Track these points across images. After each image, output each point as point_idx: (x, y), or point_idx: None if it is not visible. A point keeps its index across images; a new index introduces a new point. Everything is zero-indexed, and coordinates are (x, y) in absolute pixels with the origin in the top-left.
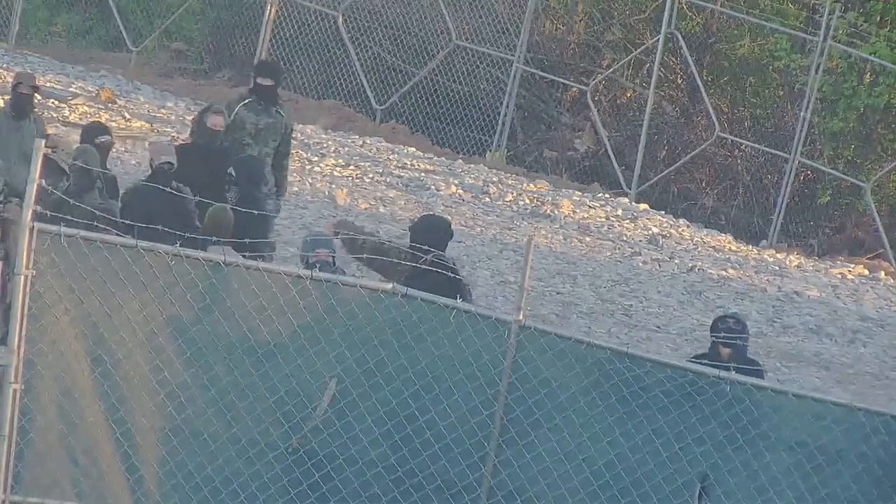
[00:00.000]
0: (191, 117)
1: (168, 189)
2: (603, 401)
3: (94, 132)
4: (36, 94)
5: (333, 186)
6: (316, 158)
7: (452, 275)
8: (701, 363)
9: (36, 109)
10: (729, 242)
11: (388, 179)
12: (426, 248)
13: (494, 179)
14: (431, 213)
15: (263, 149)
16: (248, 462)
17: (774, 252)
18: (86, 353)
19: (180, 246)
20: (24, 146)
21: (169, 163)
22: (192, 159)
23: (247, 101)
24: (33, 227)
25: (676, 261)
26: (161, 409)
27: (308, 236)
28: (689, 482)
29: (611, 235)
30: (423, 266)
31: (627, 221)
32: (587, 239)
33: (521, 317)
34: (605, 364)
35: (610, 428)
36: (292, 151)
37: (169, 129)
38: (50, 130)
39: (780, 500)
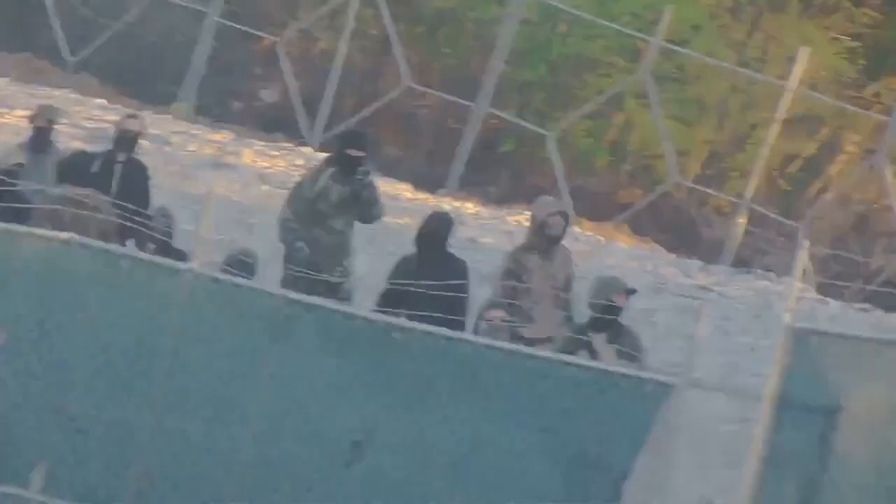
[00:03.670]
0: None
1: None
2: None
3: None
4: None
5: (20, 138)
6: (4, 110)
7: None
8: None
9: None
10: (407, 190)
11: (74, 131)
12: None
13: (179, 130)
14: None
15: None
16: None
17: (452, 200)
18: None
19: None
20: None
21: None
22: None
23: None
24: None
25: None
26: None
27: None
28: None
29: (290, 184)
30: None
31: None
32: (265, 188)
33: (195, 265)
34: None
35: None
36: None
37: None
38: None
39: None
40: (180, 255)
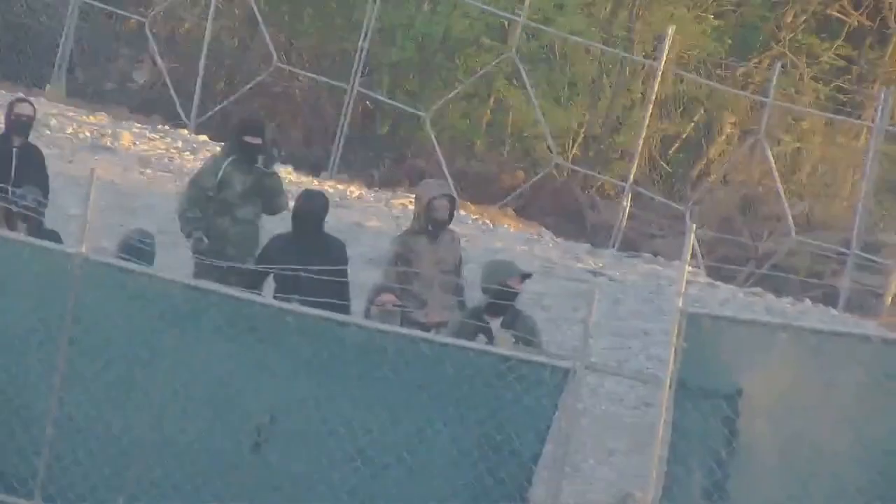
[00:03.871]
0: None
1: None
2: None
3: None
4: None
5: None
6: None
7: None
8: None
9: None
10: (289, 174)
11: None
12: None
13: (55, 112)
14: None
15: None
16: None
17: (335, 183)
18: None
19: None
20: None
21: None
22: None
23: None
24: None
25: None
26: None
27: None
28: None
29: (171, 167)
30: None
31: (188, 153)
32: (147, 171)
33: (83, 249)
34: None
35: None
36: None
37: None
38: None
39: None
40: (53, 236)
